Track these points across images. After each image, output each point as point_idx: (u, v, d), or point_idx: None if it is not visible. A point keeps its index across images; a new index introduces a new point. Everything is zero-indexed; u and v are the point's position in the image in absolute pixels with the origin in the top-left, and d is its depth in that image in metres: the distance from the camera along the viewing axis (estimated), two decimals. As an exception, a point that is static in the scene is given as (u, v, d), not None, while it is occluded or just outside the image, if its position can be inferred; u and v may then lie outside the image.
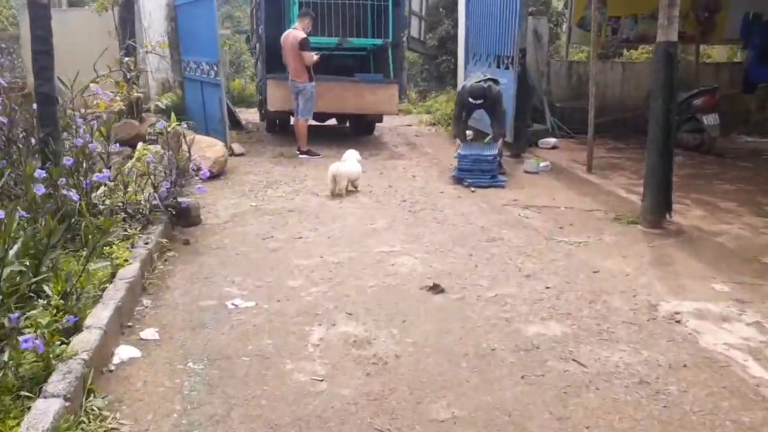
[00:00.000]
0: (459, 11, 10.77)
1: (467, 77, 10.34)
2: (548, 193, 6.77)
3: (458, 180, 7.07)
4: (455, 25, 11.48)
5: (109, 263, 3.34)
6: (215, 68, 8.04)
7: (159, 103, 7.70)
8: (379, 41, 9.45)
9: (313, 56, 8.11)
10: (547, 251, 4.72)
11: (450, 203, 6.16)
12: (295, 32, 8.09)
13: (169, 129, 7.57)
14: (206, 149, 6.84)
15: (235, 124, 10.51)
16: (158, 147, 7.33)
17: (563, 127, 11.02)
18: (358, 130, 10.59)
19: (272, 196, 6.18)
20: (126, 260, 3.52)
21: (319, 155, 8.39)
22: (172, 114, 8.34)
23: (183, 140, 7.12)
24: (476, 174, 7.02)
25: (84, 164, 4.13)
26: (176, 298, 3.52)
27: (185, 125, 8.27)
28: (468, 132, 10.39)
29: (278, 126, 10.22)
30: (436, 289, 3.78)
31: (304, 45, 8.01)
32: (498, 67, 9.01)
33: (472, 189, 6.76)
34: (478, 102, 7.19)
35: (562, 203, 6.30)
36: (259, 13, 9.11)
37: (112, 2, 7.56)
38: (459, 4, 10.74)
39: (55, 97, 4.38)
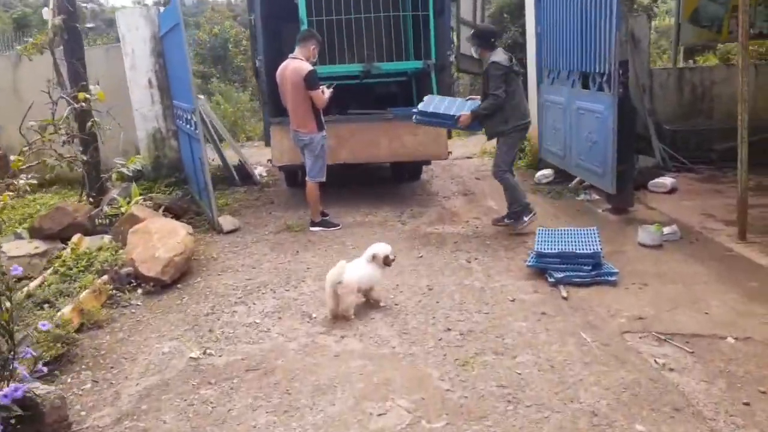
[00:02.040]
0: (527, 15, 8.19)
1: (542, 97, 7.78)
2: (689, 293, 4.11)
3: (539, 270, 4.54)
4: (524, 33, 8.91)
5: None
6: (193, 118, 5.90)
7: (124, 170, 5.62)
8: (418, 63, 7.03)
9: (325, 93, 5.75)
10: None
11: (527, 332, 3.63)
12: (295, 64, 5.64)
13: (121, 211, 5.48)
14: (158, 244, 4.61)
15: (246, 178, 8.41)
16: (107, 238, 5.25)
17: (677, 156, 8.20)
18: (399, 176, 8.18)
19: (237, 327, 3.87)
20: None
21: (337, 226, 6.03)
22: (134, 187, 6.29)
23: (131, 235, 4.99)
24: (568, 261, 4.44)
25: None
26: None
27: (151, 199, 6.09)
28: (546, 171, 7.81)
29: (301, 177, 7.88)
30: None
31: (310, 82, 5.56)
32: (586, 87, 6.36)
33: (564, 293, 4.18)
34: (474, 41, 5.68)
35: (724, 323, 3.64)
36: (257, 38, 6.78)
37: (49, 42, 5.54)
38: (526, 5, 8.17)
39: None
